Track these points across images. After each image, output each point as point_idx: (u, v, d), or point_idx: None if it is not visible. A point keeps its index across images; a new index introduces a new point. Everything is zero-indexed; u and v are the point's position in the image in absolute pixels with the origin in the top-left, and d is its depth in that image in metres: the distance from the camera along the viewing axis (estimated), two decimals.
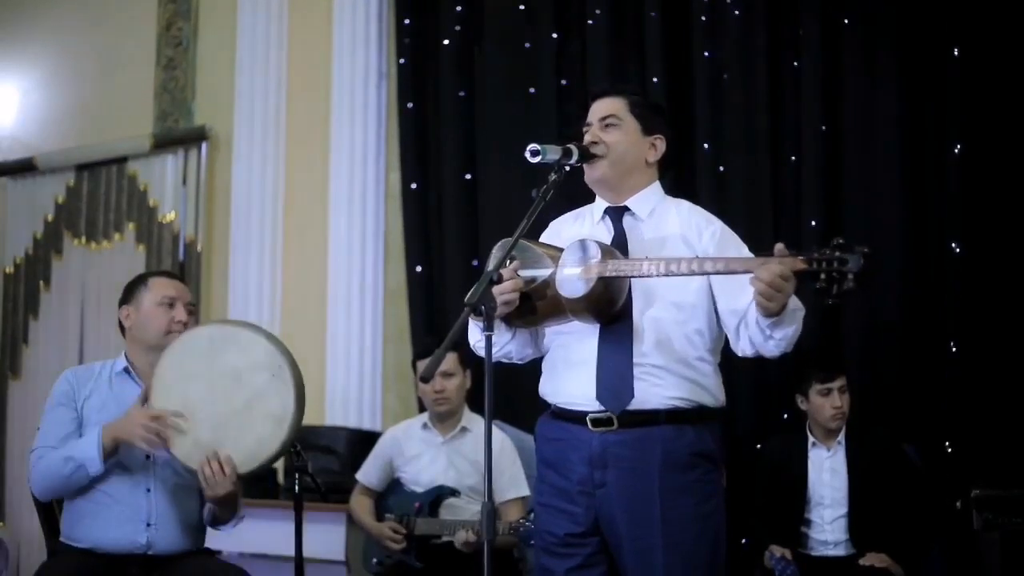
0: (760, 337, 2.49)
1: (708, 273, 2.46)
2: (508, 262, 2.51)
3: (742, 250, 2.63)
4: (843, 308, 4.24)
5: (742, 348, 2.59)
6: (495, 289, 2.44)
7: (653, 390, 2.55)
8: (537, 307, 2.57)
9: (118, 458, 3.14)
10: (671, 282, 2.55)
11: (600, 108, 2.73)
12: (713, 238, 2.64)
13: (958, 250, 4.04)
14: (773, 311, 2.35)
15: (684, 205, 2.75)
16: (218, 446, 3.05)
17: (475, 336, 2.66)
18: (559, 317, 2.59)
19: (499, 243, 2.61)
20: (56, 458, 3.11)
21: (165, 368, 3.13)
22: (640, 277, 2.51)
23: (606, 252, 2.52)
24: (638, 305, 2.57)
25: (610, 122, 2.69)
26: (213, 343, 3.15)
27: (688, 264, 2.43)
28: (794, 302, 2.42)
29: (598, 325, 2.57)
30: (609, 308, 2.53)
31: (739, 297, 2.49)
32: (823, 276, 2.21)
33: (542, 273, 2.56)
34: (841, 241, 2.22)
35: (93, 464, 3.07)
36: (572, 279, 2.50)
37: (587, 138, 2.69)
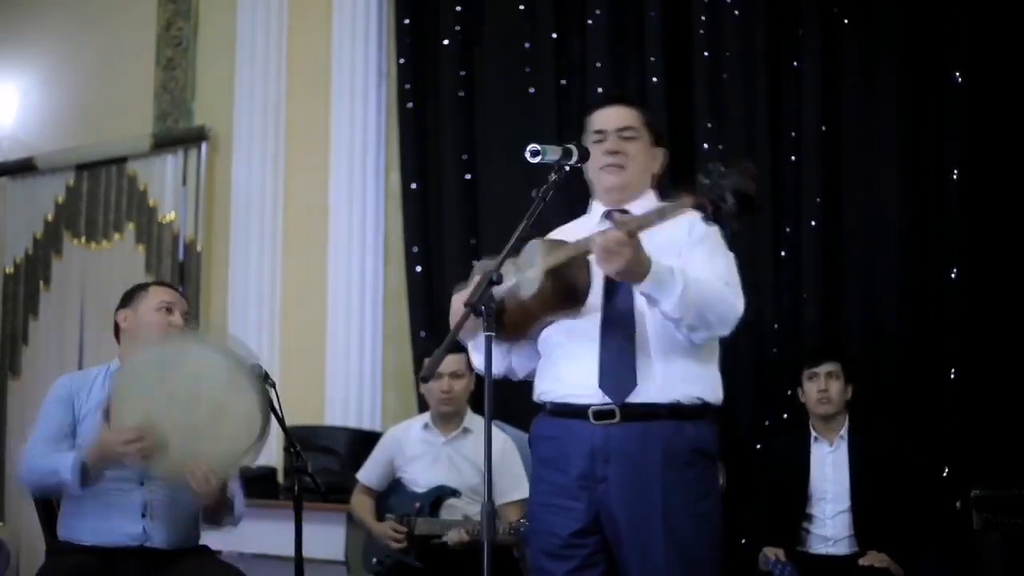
0: (662, 315, 2.50)
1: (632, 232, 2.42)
2: (503, 264, 2.51)
3: (717, 252, 2.64)
4: (844, 308, 4.24)
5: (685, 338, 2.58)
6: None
7: (654, 385, 2.56)
8: (517, 314, 2.57)
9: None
10: None
11: (617, 117, 2.74)
12: (694, 233, 2.63)
13: (958, 249, 4.04)
14: (613, 271, 2.41)
15: None
16: (191, 458, 3.01)
17: (477, 359, 2.69)
18: (542, 319, 2.62)
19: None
20: (43, 466, 3.12)
21: (120, 389, 3.09)
22: (577, 256, 2.52)
23: (552, 245, 2.56)
24: (638, 303, 2.57)
25: (630, 135, 2.73)
26: (163, 360, 3.11)
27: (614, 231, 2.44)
28: (662, 265, 2.44)
29: (594, 318, 2.58)
30: (572, 294, 2.56)
31: None
32: (709, 207, 2.28)
33: (513, 281, 2.57)
34: (723, 168, 2.29)
35: (73, 487, 3.07)
36: (529, 280, 2.54)
37: (607, 146, 2.71)
